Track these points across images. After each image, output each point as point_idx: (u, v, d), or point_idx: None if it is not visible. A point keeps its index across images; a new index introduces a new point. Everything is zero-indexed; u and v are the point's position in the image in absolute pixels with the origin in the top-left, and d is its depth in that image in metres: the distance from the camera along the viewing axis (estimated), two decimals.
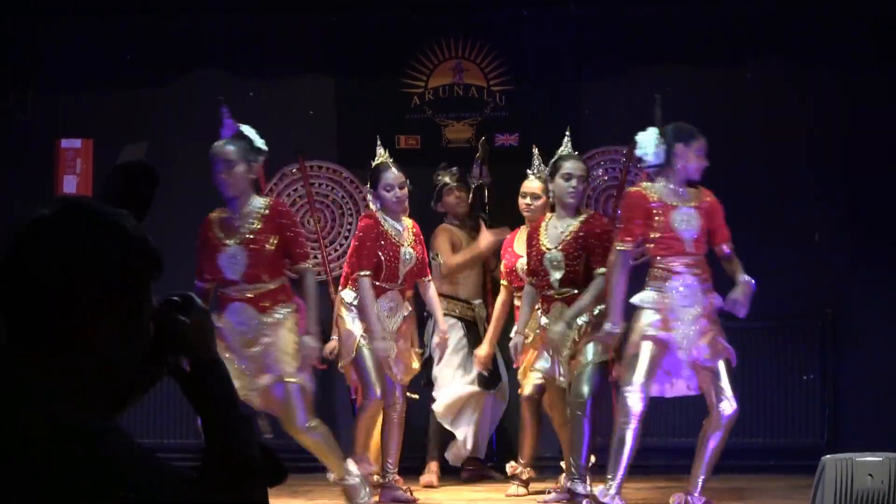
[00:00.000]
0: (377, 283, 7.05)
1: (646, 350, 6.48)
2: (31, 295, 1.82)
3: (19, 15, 8.99)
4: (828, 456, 4.47)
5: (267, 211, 6.62)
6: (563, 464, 7.19)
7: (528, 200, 7.61)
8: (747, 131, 8.84)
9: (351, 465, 6.53)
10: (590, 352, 6.72)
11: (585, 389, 6.69)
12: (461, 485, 7.97)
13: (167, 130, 9.07)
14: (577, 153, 7.27)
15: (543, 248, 6.97)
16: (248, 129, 6.87)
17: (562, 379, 6.86)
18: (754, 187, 8.82)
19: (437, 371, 7.95)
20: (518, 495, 7.44)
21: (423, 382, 7.96)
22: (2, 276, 1.84)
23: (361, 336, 6.99)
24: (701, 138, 6.81)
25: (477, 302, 8.23)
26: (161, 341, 1.92)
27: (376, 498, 6.89)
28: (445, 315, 7.70)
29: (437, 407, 7.95)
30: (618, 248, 6.63)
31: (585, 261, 6.91)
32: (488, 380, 7.96)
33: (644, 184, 6.94)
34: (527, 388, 7.55)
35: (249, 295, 6.47)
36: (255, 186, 6.90)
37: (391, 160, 7.34)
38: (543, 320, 6.98)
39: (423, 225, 7.61)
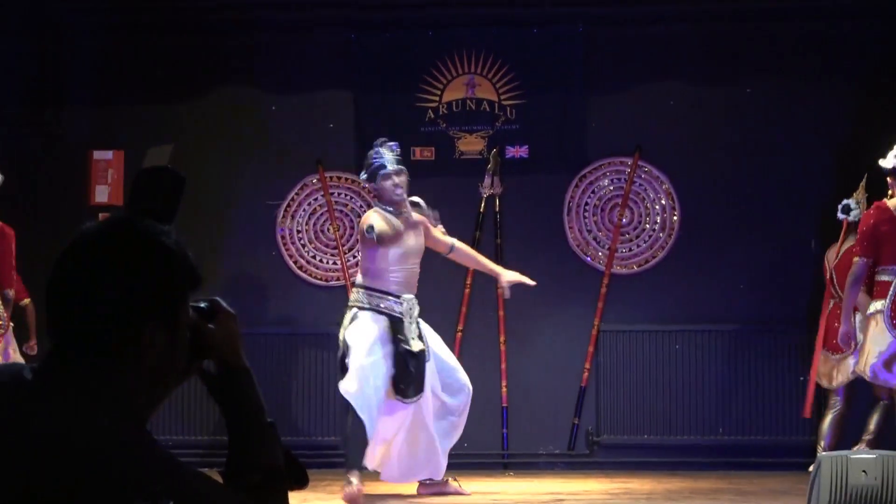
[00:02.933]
0: None
1: None
2: (77, 308, 1.83)
3: (54, 34, 9.03)
4: (824, 453, 4.46)
5: None
6: None
7: None
8: (746, 144, 8.84)
9: None
10: None
11: None
12: None
13: (195, 142, 9.09)
14: None
15: None
16: None
17: None
18: (754, 199, 8.82)
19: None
20: None
21: None
22: (49, 289, 1.84)
23: None
24: None
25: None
26: (189, 347, 1.92)
27: None
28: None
29: None
30: None
31: None
32: None
33: None
34: None
35: None
36: None
37: None
38: None
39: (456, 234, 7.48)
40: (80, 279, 1.82)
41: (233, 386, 1.97)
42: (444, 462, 6.89)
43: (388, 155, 6.86)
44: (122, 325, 1.82)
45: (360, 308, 6.76)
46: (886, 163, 7.47)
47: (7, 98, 9.04)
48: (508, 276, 7.10)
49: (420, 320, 6.91)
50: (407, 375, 6.64)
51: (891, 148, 8.28)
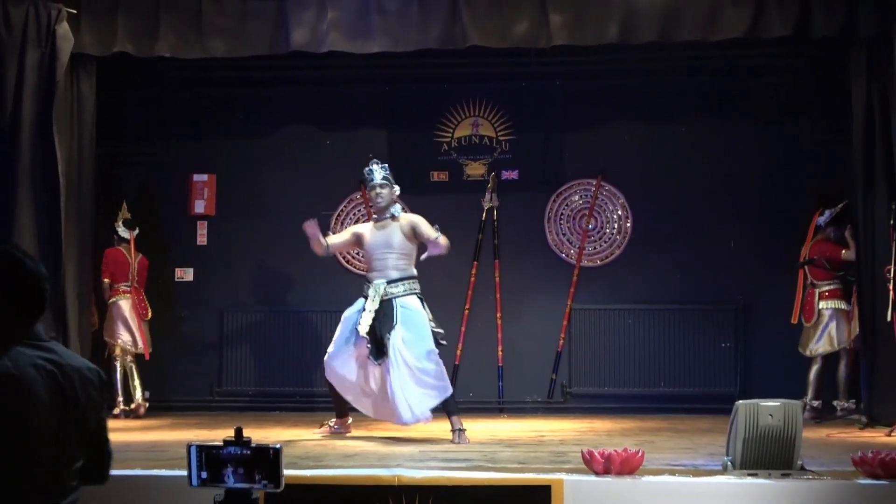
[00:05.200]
0: None
1: None
2: (43, 294, 2.43)
3: (163, 86, 9.05)
4: (740, 401, 4.45)
5: None
6: None
7: None
8: (682, 169, 8.83)
9: None
10: None
11: None
12: None
13: (268, 167, 9.10)
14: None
15: None
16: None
17: None
18: (688, 210, 8.81)
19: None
20: None
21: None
22: (35, 289, 2.42)
23: None
24: None
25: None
26: None
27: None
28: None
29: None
30: None
31: None
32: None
33: None
34: None
35: None
36: None
37: None
38: None
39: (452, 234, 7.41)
40: (38, 279, 2.43)
41: None
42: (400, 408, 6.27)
43: (374, 172, 6.65)
44: (45, 295, 2.45)
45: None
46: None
47: (129, 134, 9.08)
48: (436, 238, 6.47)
49: (402, 302, 6.39)
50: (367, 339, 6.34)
51: (785, 173, 8.28)
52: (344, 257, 9.02)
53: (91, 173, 7.94)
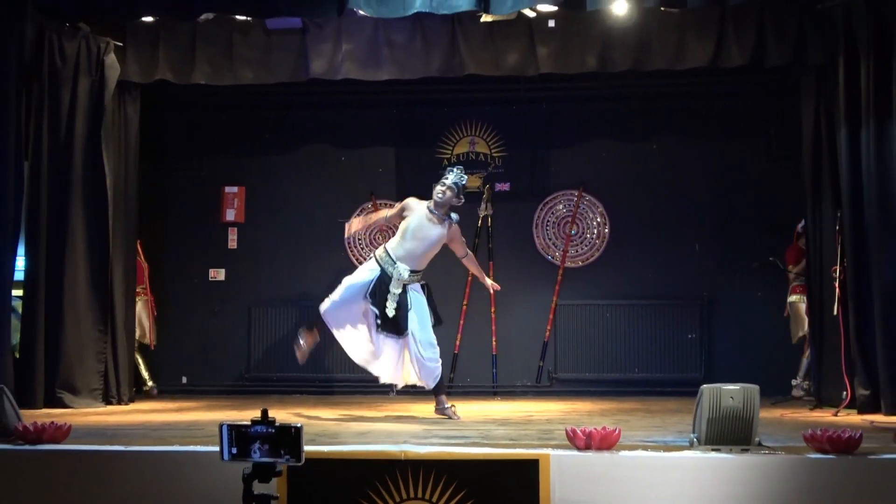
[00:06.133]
0: None
1: None
2: None
3: (198, 109, 9.06)
4: (704, 385, 4.44)
5: None
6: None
7: None
8: (654, 182, 8.83)
9: None
10: None
11: None
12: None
13: (291, 181, 9.11)
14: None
15: None
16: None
17: None
18: (658, 217, 8.81)
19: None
20: None
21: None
22: None
23: None
24: None
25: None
26: None
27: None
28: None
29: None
30: None
31: None
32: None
33: None
34: None
35: None
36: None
37: None
38: None
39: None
40: None
41: None
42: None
43: (451, 173, 6.40)
44: None
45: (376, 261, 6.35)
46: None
47: (169, 152, 9.08)
48: (487, 282, 6.63)
49: (415, 289, 6.27)
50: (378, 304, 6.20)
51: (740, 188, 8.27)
52: (357, 259, 9.01)
53: (135, 186, 7.99)
